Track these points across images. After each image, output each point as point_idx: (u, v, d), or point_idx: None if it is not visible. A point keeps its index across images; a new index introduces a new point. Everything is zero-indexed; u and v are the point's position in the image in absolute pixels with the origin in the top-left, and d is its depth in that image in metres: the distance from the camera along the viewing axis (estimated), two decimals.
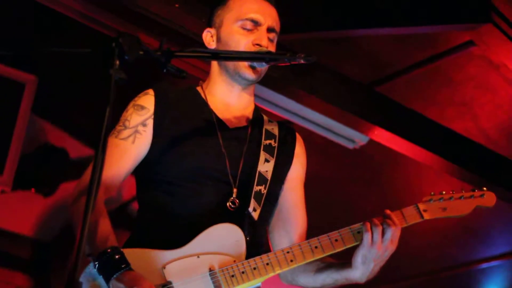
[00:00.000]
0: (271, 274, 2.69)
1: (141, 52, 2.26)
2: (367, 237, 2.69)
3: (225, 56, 2.85)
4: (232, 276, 2.63)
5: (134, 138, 2.88)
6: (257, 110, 3.14)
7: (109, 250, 2.55)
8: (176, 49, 2.43)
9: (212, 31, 3.08)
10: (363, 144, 5.72)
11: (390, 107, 5.52)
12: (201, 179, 2.84)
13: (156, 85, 3.04)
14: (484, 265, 7.64)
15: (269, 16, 3.03)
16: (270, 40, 3.01)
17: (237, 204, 2.82)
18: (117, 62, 2.17)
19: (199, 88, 3.12)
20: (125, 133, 2.89)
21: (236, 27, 3.00)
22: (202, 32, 3.12)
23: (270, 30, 3.02)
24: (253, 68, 2.96)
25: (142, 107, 2.95)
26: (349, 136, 5.64)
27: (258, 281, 2.67)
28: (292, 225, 2.98)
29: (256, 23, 3.00)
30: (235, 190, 2.85)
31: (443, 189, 2.90)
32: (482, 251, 7.47)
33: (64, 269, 6.13)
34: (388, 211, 2.77)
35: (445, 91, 5.50)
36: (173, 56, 2.39)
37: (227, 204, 2.81)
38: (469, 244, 7.31)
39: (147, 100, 2.97)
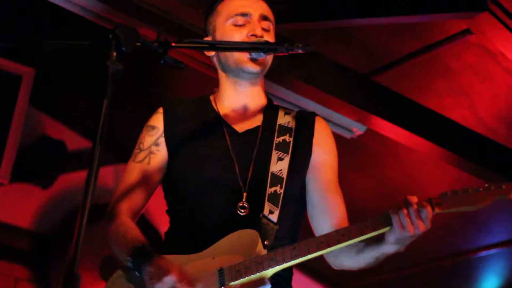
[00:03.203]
0: (276, 268, 2.65)
1: (138, 44, 2.25)
2: (395, 220, 2.60)
3: (223, 46, 2.85)
4: (237, 271, 2.63)
5: (149, 160, 2.94)
6: (270, 106, 3.11)
7: (138, 247, 2.63)
8: (173, 40, 2.42)
9: (209, 39, 3.06)
10: (360, 133, 5.72)
11: (387, 96, 5.51)
12: (211, 190, 2.85)
13: (166, 102, 3.06)
14: (483, 253, 7.64)
15: (257, 6, 3.03)
16: (265, 30, 2.99)
17: (247, 207, 2.82)
18: (114, 54, 2.17)
19: (212, 96, 3.11)
20: (141, 155, 2.95)
21: (228, 26, 2.99)
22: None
23: (262, 18, 3.00)
24: (254, 60, 2.94)
25: (153, 127, 2.99)
26: (346, 125, 5.63)
27: (261, 275, 2.65)
28: (328, 211, 2.93)
29: (245, 15, 2.98)
30: (245, 194, 2.84)
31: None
32: (481, 239, 7.47)
33: (64, 261, 6.13)
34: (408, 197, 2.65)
35: (442, 80, 5.50)
36: (170, 47, 2.39)
37: (237, 210, 2.81)
38: (468, 232, 7.31)
39: (157, 119, 3.00)
